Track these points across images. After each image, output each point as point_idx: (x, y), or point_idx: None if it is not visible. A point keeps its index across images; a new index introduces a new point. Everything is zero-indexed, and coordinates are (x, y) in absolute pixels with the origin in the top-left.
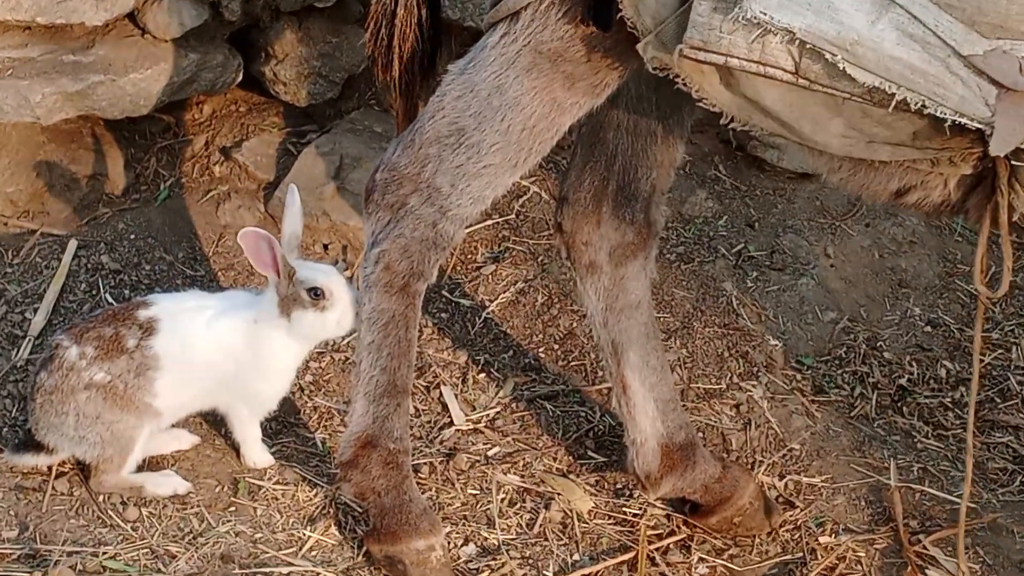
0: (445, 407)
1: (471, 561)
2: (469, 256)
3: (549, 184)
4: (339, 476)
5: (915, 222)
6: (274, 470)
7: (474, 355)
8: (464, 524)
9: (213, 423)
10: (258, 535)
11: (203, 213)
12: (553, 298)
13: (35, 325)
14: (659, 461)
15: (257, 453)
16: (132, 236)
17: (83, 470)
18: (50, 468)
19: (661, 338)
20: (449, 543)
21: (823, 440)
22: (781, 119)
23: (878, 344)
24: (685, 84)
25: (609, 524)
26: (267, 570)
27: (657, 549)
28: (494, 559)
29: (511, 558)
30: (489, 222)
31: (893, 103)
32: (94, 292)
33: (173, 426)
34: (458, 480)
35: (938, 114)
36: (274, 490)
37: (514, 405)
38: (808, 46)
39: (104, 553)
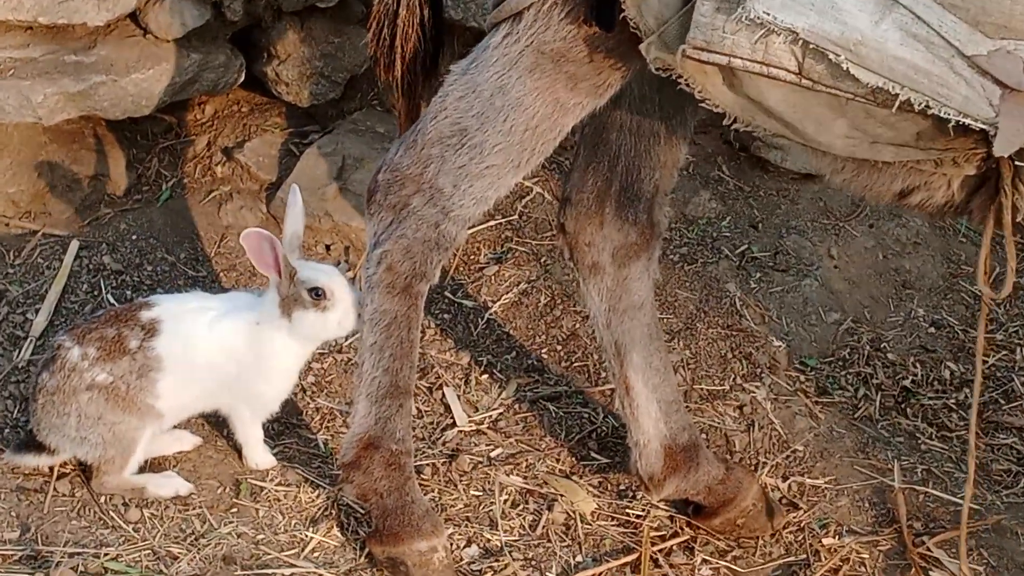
0: (448, 408)
1: (474, 562)
2: (472, 257)
3: (552, 185)
4: (341, 477)
5: (919, 223)
6: (276, 471)
7: (477, 356)
8: (467, 525)
9: (215, 424)
10: (260, 536)
11: (205, 214)
12: (556, 299)
13: (37, 326)
14: (662, 462)
15: (259, 454)
16: (134, 237)
17: (85, 471)
18: (52, 469)
19: (664, 339)
20: (451, 544)
21: (827, 441)
22: (784, 120)
23: (882, 345)
24: (688, 85)
25: (612, 525)
26: (269, 571)
27: (660, 551)
28: (497, 560)
29: (514, 559)
30: (492, 223)
31: (897, 103)
32: (96, 293)
33: (175, 427)
34: (460, 481)
35: (942, 114)
36: (276, 491)
37: (517, 406)
38: (811, 46)
39: (106, 554)
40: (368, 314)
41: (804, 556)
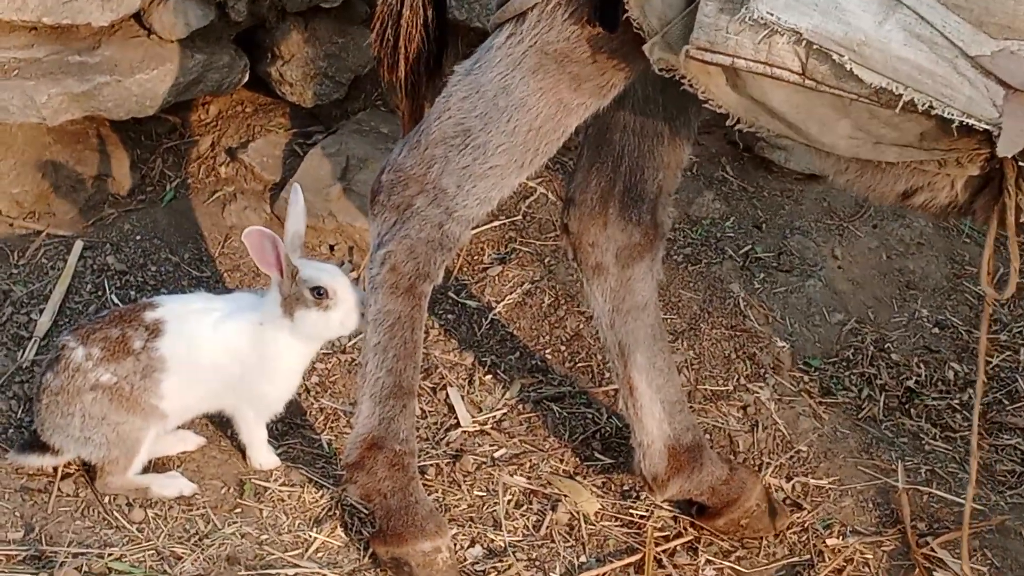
0: (451, 408)
1: (477, 563)
2: (475, 257)
3: (555, 185)
4: (345, 478)
5: (923, 223)
6: (280, 472)
7: (480, 356)
8: (470, 526)
9: (219, 424)
10: (264, 537)
11: (209, 214)
12: (560, 299)
13: (41, 326)
14: (666, 463)
15: (263, 455)
16: (138, 237)
17: (89, 471)
18: (56, 469)
19: (668, 339)
20: (455, 545)
21: (830, 442)
22: (788, 120)
23: (886, 346)
24: (691, 85)
25: (616, 526)
26: (273, 572)
27: (664, 551)
28: (500, 561)
29: (517, 560)
30: (495, 223)
31: (900, 104)
32: (100, 293)
33: (179, 428)
34: (464, 482)
35: (945, 115)
36: (280, 492)
37: (521, 407)
38: (815, 47)
39: (110, 554)
40: (372, 314)
41: (808, 557)
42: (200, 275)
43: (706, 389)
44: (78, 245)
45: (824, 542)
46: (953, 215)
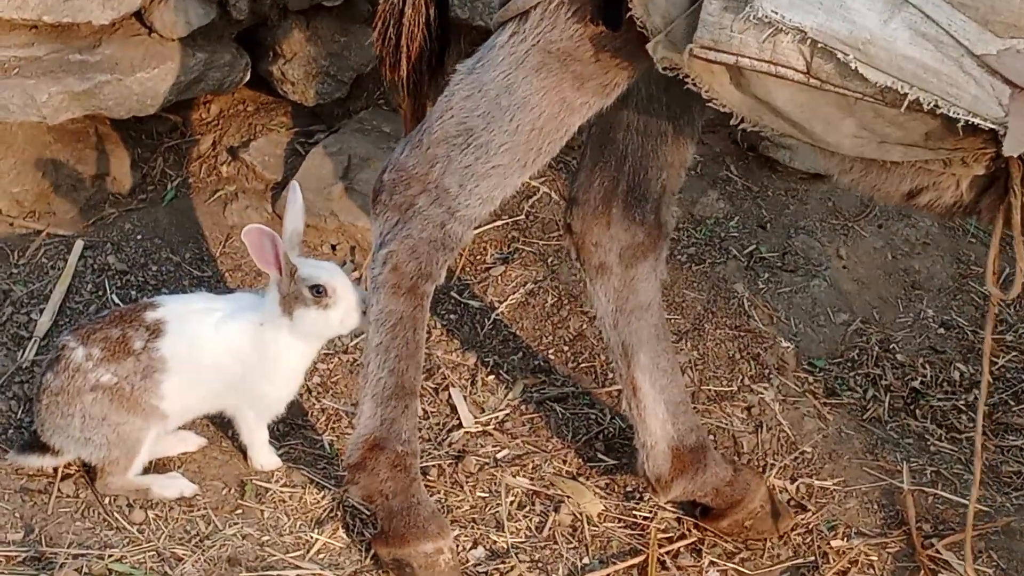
0: (454, 409)
1: (480, 564)
2: (478, 257)
3: (559, 185)
4: (347, 479)
5: (928, 223)
6: (281, 472)
7: (483, 357)
8: (473, 527)
9: (220, 425)
10: (265, 538)
11: (210, 213)
12: (563, 299)
13: (41, 326)
14: (669, 464)
15: (264, 455)
16: (139, 236)
17: (89, 472)
18: (56, 470)
19: (672, 340)
20: (458, 546)
21: (835, 443)
22: (792, 119)
23: (891, 346)
24: (695, 84)
25: (619, 527)
26: (274, 573)
27: (667, 552)
28: (503, 562)
29: (520, 561)
30: (498, 223)
31: (906, 103)
32: (100, 293)
33: (180, 428)
34: (467, 483)
35: (951, 114)
36: (281, 492)
37: (523, 407)
38: (820, 45)
39: (110, 556)
40: (374, 314)
41: (812, 558)
42: (201, 275)
43: (710, 389)
44: (78, 245)
45: (828, 543)
46: (958, 215)
